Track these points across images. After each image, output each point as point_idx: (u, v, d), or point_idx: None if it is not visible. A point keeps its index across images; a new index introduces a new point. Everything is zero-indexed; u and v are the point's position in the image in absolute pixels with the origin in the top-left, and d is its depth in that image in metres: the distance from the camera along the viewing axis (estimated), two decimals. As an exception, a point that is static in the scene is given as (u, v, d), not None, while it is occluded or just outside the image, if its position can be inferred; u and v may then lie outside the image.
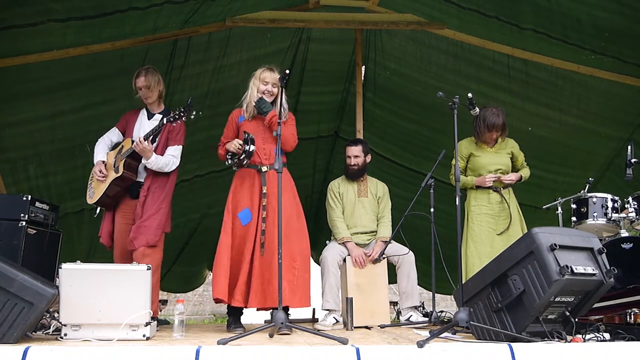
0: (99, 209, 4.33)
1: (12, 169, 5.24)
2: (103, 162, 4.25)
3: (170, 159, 4.16)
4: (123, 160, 4.08)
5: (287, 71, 3.79)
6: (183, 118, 4.00)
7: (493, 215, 4.45)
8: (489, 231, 4.42)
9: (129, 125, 4.30)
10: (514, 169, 4.60)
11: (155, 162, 4.06)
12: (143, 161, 4.09)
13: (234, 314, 3.96)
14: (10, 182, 5.24)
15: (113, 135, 4.36)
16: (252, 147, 3.82)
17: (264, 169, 3.90)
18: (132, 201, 4.18)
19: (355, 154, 4.77)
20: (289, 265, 3.76)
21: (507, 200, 4.43)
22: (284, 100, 3.88)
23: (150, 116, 4.30)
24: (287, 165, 4.00)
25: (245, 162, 3.86)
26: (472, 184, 4.51)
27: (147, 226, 4.01)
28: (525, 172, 4.61)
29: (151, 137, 4.05)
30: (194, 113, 4.04)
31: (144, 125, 4.26)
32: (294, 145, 4.01)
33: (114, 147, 4.35)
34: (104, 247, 4.31)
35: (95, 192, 4.22)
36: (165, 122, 4.02)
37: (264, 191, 3.85)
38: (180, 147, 4.23)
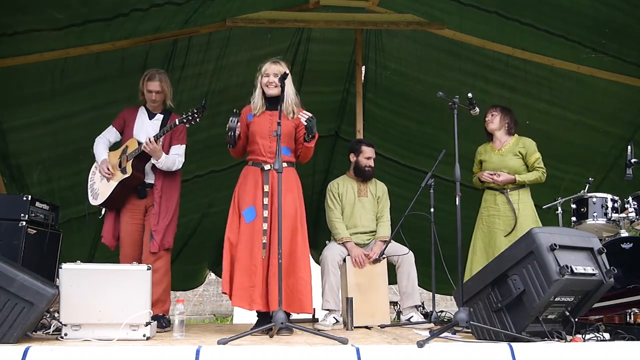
0: (103, 210, 4.29)
1: (14, 175, 5.20)
2: (107, 160, 4.22)
3: (176, 158, 4.17)
4: (131, 161, 4.06)
5: (286, 72, 3.79)
6: (197, 119, 3.99)
7: (500, 216, 4.45)
8: (496, 232, 4.43)
9: (127, 124, 4.27)
10: (528, 169, 4.51)
11: (165, 161, 4.07)
12: (153, 161, 4.08)
13: (264, 316, 3.81)
14: (15, 187, 5.19)
15: (110, 134, 4.31)
16: (233, 119, 3.81)
17: (267, 167, 3.83)
18: (139, 201, 4.16)
19: (373, 156, 4.80)
20: (290, 269, 3.73)
21: (512, 202, 4.41)
22: (290, 97, 3.87)
23: (151, 116, 4.27)
24: (294, 165, 3.99)
25: (231, 137, 3.82)
26: (477, 184, 4.64)
27: (170, 229, 4.12)
28: (531, 176, 4.43)
29: (161, 137, 4.05)
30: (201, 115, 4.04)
31: (144, 124, 4.24)
32: (310, 158, 4.03)
33: (112, 147, 4.33)
34: (105, 247, 4.29)
35: (100, 193, 4.20)
36: (177, 122, 4.00)
37: (266, 190, 3.81)
38: (184, 146, 4.25)
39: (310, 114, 3.79)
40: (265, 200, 3.79)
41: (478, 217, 4.57)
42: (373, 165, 4.79)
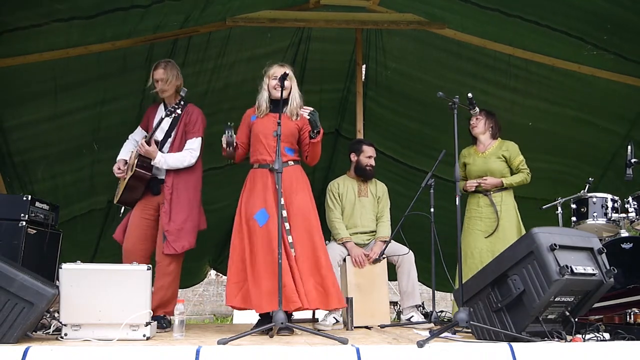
0: (123, 208, 4.26)
1: (17, 173, 5.18)
2: (125, 160, 4.20)
3: (186, 154, 4.07)
4: (136, 159, 4.03)
5: (286, 72, 3.78)
6: (178, 110, 3.94)
7: (482, 218, 4.48)
8: (476, 233, 4.47)
9: (149, 121, 4.24)
10: (511, 172, 4.55)
11: (163, 161, 4.00)
12: (152, 162, 4.02)
13: (264, 316, 3.77)
14: (16, 186, 5.17)
15: (136, 135, 4.29)
16: (230, 133, 3.76)
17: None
18: (153, 197, 4.09)
19: (374, 155, 4.81)
20: (315, 267, 3.72)
21: (494, 204, 4.44)
22: (295, 100, 3.89)
23: None
24: (299, 163, 3.98)
25: (229, 149, 3.81)
26: (462, 189, 4.63)
27: (187, 229, 4.00)
28: (517, 178, 4.47)
29: (152, 137, 4.00)
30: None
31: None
32: (318, 159, 4.02)
33: None
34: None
35: (118, 192, 4.19)
36: (163, 116, 3.96)
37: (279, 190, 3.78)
38: (199, 138, 4.13)
39: (312, 108, 3.80)
40: (282, 200, 3.72)
41: (463, 220, 4.57)
42: (374, 164, 4.80)
